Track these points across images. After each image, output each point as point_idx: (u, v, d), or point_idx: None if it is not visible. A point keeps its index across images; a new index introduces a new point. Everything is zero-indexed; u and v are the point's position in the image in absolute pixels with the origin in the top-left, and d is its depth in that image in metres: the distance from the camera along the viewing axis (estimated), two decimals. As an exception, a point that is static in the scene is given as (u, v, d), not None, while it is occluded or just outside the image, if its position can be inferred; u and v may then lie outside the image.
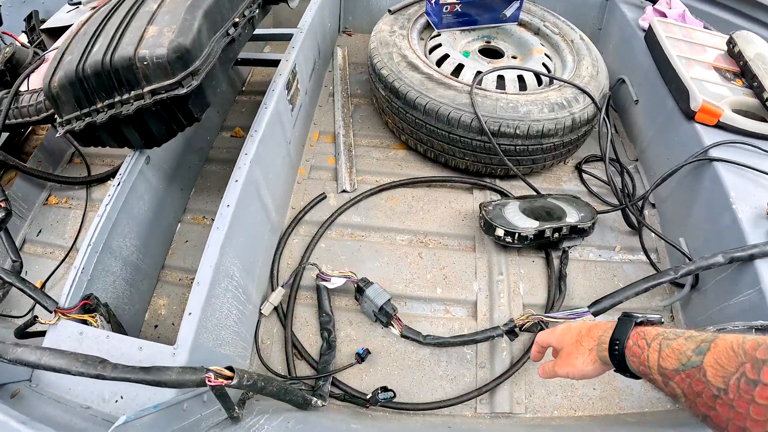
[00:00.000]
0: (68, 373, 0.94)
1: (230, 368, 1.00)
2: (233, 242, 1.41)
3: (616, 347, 0.84)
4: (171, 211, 1.91)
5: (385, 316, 1.57)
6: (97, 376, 0.94)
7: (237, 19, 1.53)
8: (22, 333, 1.40)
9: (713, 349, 0.67)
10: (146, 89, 1.32)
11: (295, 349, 1.62)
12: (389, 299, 1.57)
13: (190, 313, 1.22)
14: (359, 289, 1.61)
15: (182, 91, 1.32)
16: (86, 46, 1.35)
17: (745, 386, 0.60)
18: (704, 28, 2.28)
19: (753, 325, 1.35)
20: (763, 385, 0.58)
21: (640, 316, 0.86)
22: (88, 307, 1.35)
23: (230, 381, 0.99)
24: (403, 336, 1.55)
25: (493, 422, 1.52)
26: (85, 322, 1.30)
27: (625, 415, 1.54)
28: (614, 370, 0.87)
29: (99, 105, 1.37)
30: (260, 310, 1.67)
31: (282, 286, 1.68)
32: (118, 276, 1.56)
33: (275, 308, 1.68)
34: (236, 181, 1.46)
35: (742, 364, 0.62)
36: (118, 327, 1.47)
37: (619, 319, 0.88)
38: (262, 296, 1.72)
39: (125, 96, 1.34)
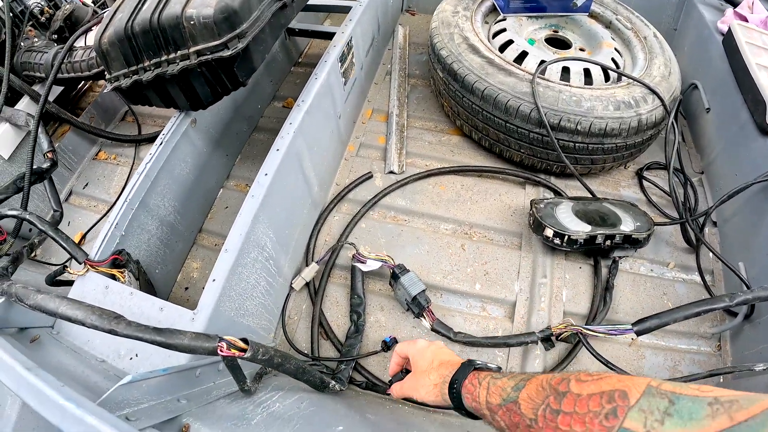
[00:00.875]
0: (83, 324, 0.93)
1: (245, 340, 0.94)
2: (268, 212, 1.36)
3: (455, 386, 0.90)
4: (214, 176, 1.87)
5: (417, 306, 1.48)
6: (110, 331, 0.92)
7: (290, -16, 1.46)
8: (53, 281, 1.38)
9: (528, 385, 0.74)
10: (192, 50, 1.28)
11: (321, 329, 1.56)
12: (424, 290, 1.48)
13: (213, 280, 1.18)
14: (394, 275, 1.52)
15: (227, 53, 1.27)
16: (137, 4, 1.33)
17: (550, 415, 0.67)
18: (788, 35, 2.07)
19: None
20: (563, 413, 0.65)
21: (480, 363, 0.93)
22: (118, 262, 1.33)
23: (243, 353, 0.94)
24: (433, 330, 1.47)
25: None
26: (113, 276, 1.28)
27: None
28: (453, 408, 0.92)
29: (146, 63, 1.35)
30: (291, 284, 1.60)
31: (316, 263, 1.61)
32: (153, 234, 1.53)
33: (307, 284, 1.62)
34: (277, 150, 1.40)
35: (547, 396, 0.69)
36: (147, 285, 1.45)
37: (462, 363, 0.95)
38: (295, 270, 1.66)
39: (171, 55, 1.31)
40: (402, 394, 1.07)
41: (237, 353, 0.93)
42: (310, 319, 1.58)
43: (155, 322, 1.12)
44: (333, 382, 1.30)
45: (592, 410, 0.62)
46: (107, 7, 2.10)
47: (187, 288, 1.70)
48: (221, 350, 0.91)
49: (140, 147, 2.11)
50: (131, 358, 1.11)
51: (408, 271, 1.52)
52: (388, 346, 1.48)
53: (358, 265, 1.57)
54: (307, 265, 1.65)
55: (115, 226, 1.35)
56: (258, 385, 1.25)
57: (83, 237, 1.86)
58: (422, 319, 1.50)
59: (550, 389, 0.70)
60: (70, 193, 2.02)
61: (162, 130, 1.55)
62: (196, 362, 1.07)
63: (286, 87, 2.30)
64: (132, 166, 2.03)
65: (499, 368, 0.92)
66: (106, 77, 1.44)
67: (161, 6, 1.27)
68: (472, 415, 0.89)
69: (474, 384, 0.86)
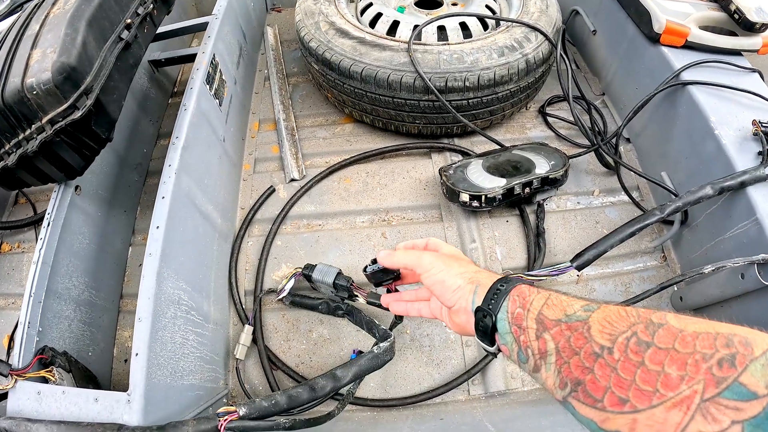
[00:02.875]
0: None
1: (231, 404, 1.06)
2: (172, 265, 1.34)
3: (503, 285, 0.76)
4: (118, 237, 1.83)
5: (343, 290, 1.47)
6: None
7: (129, 20, 1.42)
8: None
9: (602, 308, 0.62)
10: (44, 120, 1.23)
11: (270, 362, 1.56)
12: (339, 272, 1.48)
13: (137, 354, 1.17)
14: (308, 278, 1.51)
15: (78, 113, 1.22)
16: None
17: (636, 347, 0.54)
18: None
19: (755, 260, 1.29)
20: (656, 348, 0.53)
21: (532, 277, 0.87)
22: (44, 361, 1.30)
23: (236, 413, 1.05)
24: (369, 303, 1.43)
25: (489, 403, 1.48)
26: (44, 379, 1.27)
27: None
28: (475, 313, 0.78)
29: (7, 147, 1.30)
30: (235, 355, 1.57)
31: (249, 324, 1.59)
32: (72, 319, 1.50)
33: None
34: (162, 197, 1.39)
35: (635, 324, 0.56)
36: (83, 373, 1.42)
37: (508, 275, 0.82)
38: (226, 309, 1.65)
39: (27, 132, 1.26)
40: (440, 317, 0.94)
41: (231, 418, 1.04)
42: (256, 353, 1.58)
43: (94, 414, 1.11)
44: (383, 344, 1.26)
45: (700, 350, 0.50)
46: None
47: (126, 360, 1.67)
48: (221, 426, 1.02)
49: (40, 227, 2.03)
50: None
51: (315, 265, 1.51)
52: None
53: (282, 297, 1.56)
54: (235, 302, 1.65)
55: (28, 325, 1.32)
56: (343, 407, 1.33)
57: (11, 339, 1.78)
58: (356, 299, 1.48)
59: (638, 317, 0.57)
60: (-17, 297, 1.96)
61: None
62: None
63: (168, 122, 2.25)
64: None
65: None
66: (-30, 172, 1.39)
67: (2, 83, 1.23)
68: (487, 334, 0.76)
69: (530, 291, 0.73)
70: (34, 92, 1.19)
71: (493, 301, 0.75)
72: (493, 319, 0.74)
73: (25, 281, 1.86)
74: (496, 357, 0.86)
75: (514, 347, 0.71)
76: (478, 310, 0.77)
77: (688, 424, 0.47)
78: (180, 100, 2.27)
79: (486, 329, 0.75)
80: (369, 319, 1.45)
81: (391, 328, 1.46)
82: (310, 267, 1.51)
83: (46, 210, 1.99)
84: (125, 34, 1.40)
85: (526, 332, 0.68)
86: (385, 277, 1.08)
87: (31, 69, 1.21)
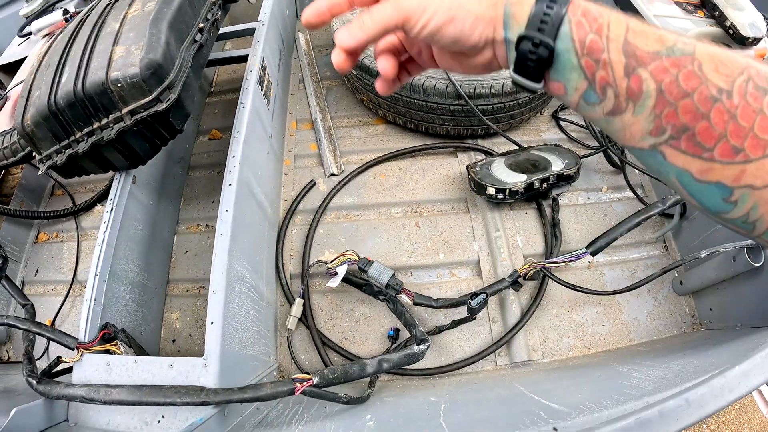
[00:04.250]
0: (174, 405, 1.13)
1: (307, 372, 1.20)
2: (238, 245, 1.47)
3: (554, 3, 0.56)
4: (165, 225, 1.97)
5: (393, 291, 1.63)
6: (203, 403, 1.13)
7: (201, 24, 1.57)
8: (48, 375, 1.41)
9: (699, 43, 0.52)
10: (125, 111, 1.34)
11: (322, 343, 1.71)
12: (393, 274, 1.63)
13: (212, 322, 1.28)
14: (362, 270, 1.66)
15: (162, 106, 1.35)
16: (54, 78, 1.37)
17: (754, 91, 0.48)
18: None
19: (744, 245, 1.45)
20: None
21: None
22: (107, 336, 1.41)
23: (312, 382, 1.19)
24: (415, 304, 1.62)
25: (515, 372, 1.64)
26: (108, 351, 1.36)
27: (637, 345, 1.67)
28: (516, 52, 0.59)
29: (78, 135, 1.39)
30: (287, 325, 1.72)
31: (300, 297, 1.74)
32: (128, 299, 1.61)
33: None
34: (230, 184, 1.51)
35: (746, 68, 0.49)
36: (139, 349, 1.53)
37: None
38: (273, 291, 1.80)
39: (104, 121, 1.36)
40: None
41: (308, 384, 1.18)
42: (303, 332, 1.74)
43: (169, 379, 1.21)
44: (421, 347, 1.43)
45: None
46: (5, 86, 2.12)
47: (174, 340, 1.80)
48: (298, 390, 1.16)
49: (80, 217, 2.16)
50: (159, 422, 1.20)
51: (372, 262, 1.65)
52: (394, 338, 1.68)
53: (330, 283, 1.66)
54: (283, 287, 1.81)
55: (93, 302, 1.41)
56: (373, 388, 1.49)
57: (52, 323, 1.89)
58: (403, 298, 1.63)
59: (747, 63, 0.50)
60: (23, 284, 2.05)
61: (102, 195, 1.62)
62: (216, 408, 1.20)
63: (206, 120, 2.41)
64: (78, 239, 2.08)
65: None
66: (37, 158, 1.47)
67: (82, 75, 1.33)
68: (533, 72, 0.59)
69: (598, 10, 0.56)
70: (120, 84, 1.29)
71: (545, 25, 0.56)
72: (552, 49, 0.56)
73: (69, 267, 2.00)
74: (536, 94, 0.61)
75: (581, 85, 0.57)
76: (522, 39, 0.57)
77: None
78: (217, 99, 2.45)
79: (538, 64, 0.57)
80: (410, 316, 1.57)
81: (436, 332, 1.64)
82: (366, 262, 1.65)
83: (85, 201, 2.13)
84: (198, 37, 1.54)
85: (608, 67, 0.54)
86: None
87: (116, 63, 1.32)
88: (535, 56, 0.56)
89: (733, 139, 0.49)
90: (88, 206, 2.14)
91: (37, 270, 2.07)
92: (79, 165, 1.50)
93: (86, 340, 1.35)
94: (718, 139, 0.49)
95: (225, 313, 1.32)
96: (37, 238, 2.17)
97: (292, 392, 1.16)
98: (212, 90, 2.51)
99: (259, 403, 1.43)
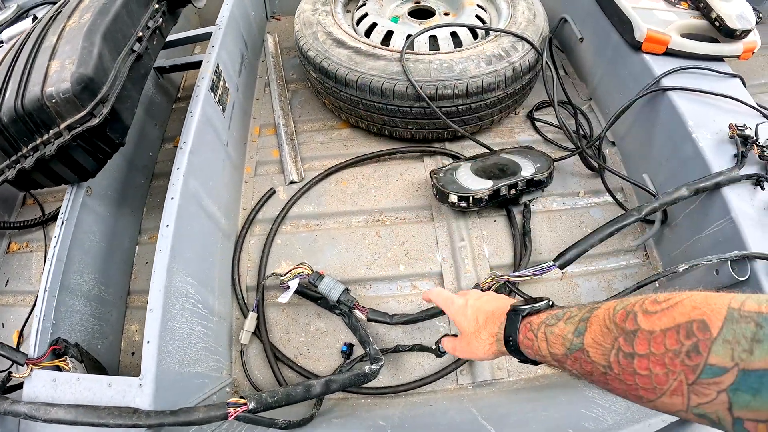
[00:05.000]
0: (106, 426, 1.13)
1: (242, 396, 1.18)
2: (181, 260, 1.46)
3: (511, 343, 0.89)
4: (125, 236, 1.96)
5: (345, 306, 1.60)
6: (135, 426, 1.13)
7: (141, 33, 1.55)
8: (3, 390, 1.41)
9: (589, 328, 0.71)
10: (62, 126, 1.34)
11: (276, 359, 1.68)
12: (345, 289, 1.61)
13: (148, 342, 1.28)
14: (312, 285, 1.64)
15: (95, 121, 1.34)
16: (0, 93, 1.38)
17: (624, 360, 0.63)
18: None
19: (728, 257, 1.40)
20: (638, 356, 0.62)
21: (527, 308, 0.89)
22: (58, 352, 1.40)
23: (247, 406, 1.17)
24: (369, 320, 1.59)
25: (475, 392, 1.60)
26: (58, 367, 1.36)
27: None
28: (519, 362, 0.91)
29: (24, 150, 1.40)
30: (240, 339, 1.70)
31: (253, 311, 1.72)
32: (83, 313, 1.61)
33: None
34: (171, 198, 1.50)
35: (616, 339, 0.65)
36: (93, 364, 1.53)
37: (507, 314, 0.92)
38: (228, 304, 1.78)
39: (45, 137, 1.37)
40: (460, 356, 1.09)
41: (243, 410, 1.16)
42: (260, 346, 1.71)
43: (108, 398, 1.22)
44: (373, 367, 1.43)
45: (670, 349, 0.59)
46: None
47: (133, 353, 1.79)
48: (231, 415, 1.15)
49: (48, 227, 2.16)
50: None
51: (323, 276, 1.62)
52: (348, 354, 1.64)
53: (281, 298, 1.63)
54: (238, 298, 1.79)
55: (43, 318, 1.41)
56: (319, 408, 1.50)
57: (20, 334, 1.90)
58: (357, 313, 1.61)
59: (616, 329, 0.66)
60: (-6, 296, 2.07)
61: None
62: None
63: (172, 126, 2.39)
64: (46, 249, 2.08)
65: (548, 301, 0.90)
66: (-9, 172, 1.48)
67: (22, 91, 1.33)
68: (538, 362, 0.88)
69: (530, 338, 0.84)
70: (53, 100, 1.29)
71: (516, 354, 0.89)
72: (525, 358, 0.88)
73: (37, 278, 2.01)
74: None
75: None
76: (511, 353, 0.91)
77: (688, 402, 0.57)
78: (183, 105, 2.43)
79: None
80: (365, 332, 1.57)
81: (394, 350, 1.61)
82: (318, 277, 1.62)
83: (54, 210, 2.14)
84: (137, 47, 1.52)
85: (556, 367, 0.80)
86: None
87: (51, 78, 1.32)
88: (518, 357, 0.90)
89: (632, 393, 0.64)
90: (55, 216, 2.11)
91: (8, 280, 2.07)
92: (31, 179, 1.51)
93: (35, 356, 1.36)
94: (625, 394, 0.66)
95: (162, 331, 1.31)
96: (8, 248, 2.17)
97: (225, 417, 1.15)
98: (179, 95, 2.49)
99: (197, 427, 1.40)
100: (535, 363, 0.88)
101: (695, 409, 0.57)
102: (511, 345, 0.89)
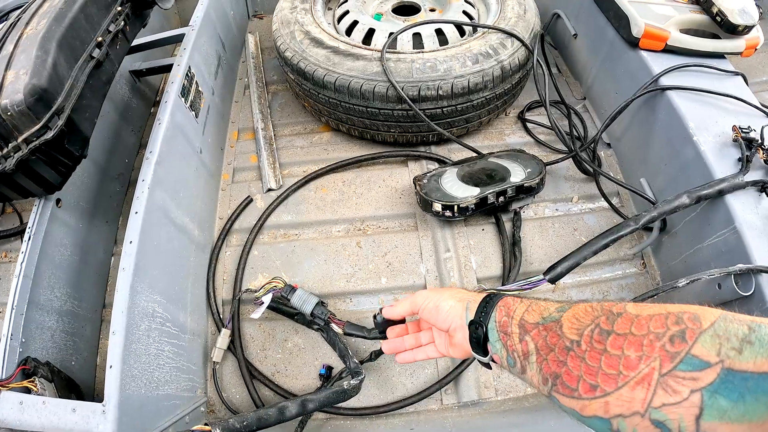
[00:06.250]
0: None
1: (206, 423, 1.14)
2: (146, 278, 1.42)
3: (492, 298, 0.86)
4: (100, 248, 1.92)
5: (320, 320, 1.55)
6: None
7: (101, 38, 1.50)
8: None
9: (574, 307, 0.70)
10: (20, 139, 1.31)
11: (251, 377, 1.63)
12: (318, 302, 1.55)
13: (110, 366, 1.24)
14: (285, 299, 1.59)
15: (50, 134, 1.31)
16: None
17: (598, 336, 0.62)
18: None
19: (731, 271, 1.33)
20: (615, 334, 0.60)
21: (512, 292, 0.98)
22: (27, 372, 1.37)
23: None
24: (346, 334, 1.53)
25: (460, 413, 1.55)
26: (27, 389, 1.33)
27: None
28: (471, 330, 0.87)
29: None
30: (212, 358, 1.65)
31: (226, 327, 1.66)
32: (55, 329, 1.57)
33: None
34: (136, 213, 1.45)
35: (598, 317, 0.65)
36: (65, 383, 1.49)
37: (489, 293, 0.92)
38: (203, 319, 1.74)
39: (5, 150, 1.33)
40: (421, 314, 1.03)
41: None
42: (234, 362, 1.66)
43: (72, 424, 1.19)
44: (353, 381, 1.38)
45: (653, 331, 0.57)
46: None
47: (111, 366, 1.75)
48: None
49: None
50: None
51: (295, 289, 1.57)
52: (326, 377, 1.58)
53: (253, 314, 1.59)
54: (213, 312, 1.74)
55: (10, 337, 1.39)
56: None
57: None
58: (333, 327, 1.55)
59: (601, 310, 0.65)
60: (-27, 308, 2.04)
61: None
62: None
63: (149, 131, 2.32)
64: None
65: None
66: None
67: None
68: (480, 344, 0.85)
69: (514, 301, 0.82)
70: (9, 113, 1.26)
71: (483, 314, 0.85)
72: (484, 329, 0.84)
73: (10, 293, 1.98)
74: (490, 368, 0.90)
75: (503, 353, 0.79)
76: (471, 323, 0.87)
77: (652, 398, 0.53)
78: (163, 110, 2.37)
79: (479, 340, 0.85)
80: (344, 346, 1.52)
81: (371, 359, 1.56)
82: (291, 290, 1.57)
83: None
84: (96, 53, 1.47)
85: (510, 337, 0.77)
86: (391, 324, 1.19)
87: (6, 90, 1.28)
88: (476, 335, 0.85)
89: (588, 378, 0.61)
90: (31, 226, 2.09)
91: (-16, 292, 2.05)
92: (-1, 193, 1.49)
93: (2, 378, 1.32)
94: (578, 380, 0.63)
95: (126, 355, 1.27)
96: (-12, 258, 2.14)
97: None
98: (158, 99, 2.43)
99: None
100: (487, 366, 0.90)
101: (655, 412, 0.53)
102: (488, 301, 0.86)
